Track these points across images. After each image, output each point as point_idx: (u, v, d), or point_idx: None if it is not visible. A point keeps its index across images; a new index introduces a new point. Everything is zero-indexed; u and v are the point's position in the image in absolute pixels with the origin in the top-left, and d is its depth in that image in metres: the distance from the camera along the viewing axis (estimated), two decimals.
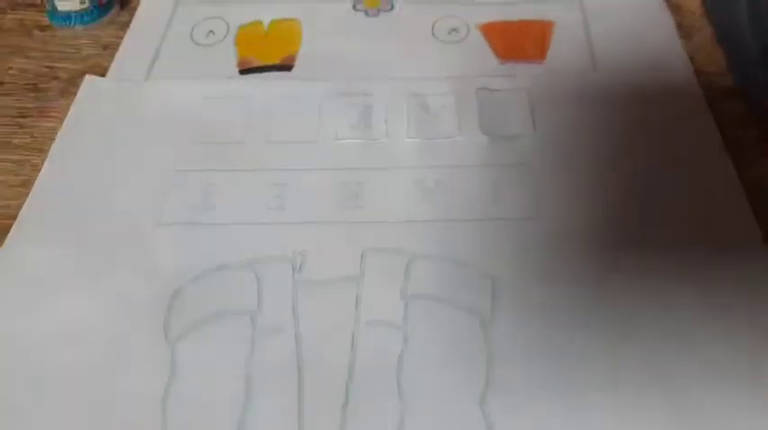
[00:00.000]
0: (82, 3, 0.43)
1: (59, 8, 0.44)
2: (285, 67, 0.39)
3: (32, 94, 0.41)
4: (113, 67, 0.41)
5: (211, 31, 0.43)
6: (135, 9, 0.45)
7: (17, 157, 0.37)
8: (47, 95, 0.41)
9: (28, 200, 0.34)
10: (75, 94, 0.40)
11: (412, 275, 0.30)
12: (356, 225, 0.32)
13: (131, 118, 0.37)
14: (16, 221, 0.33)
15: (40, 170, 0.36)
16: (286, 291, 0.29)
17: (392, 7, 0.43)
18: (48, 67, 0.43)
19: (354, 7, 0.43)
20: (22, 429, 0.26)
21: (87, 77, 0.40)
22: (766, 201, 0.31)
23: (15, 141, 0.38)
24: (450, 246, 0.30)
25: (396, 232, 0.31)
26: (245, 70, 0.40)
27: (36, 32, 0.45)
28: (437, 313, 0.28)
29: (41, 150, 0.37)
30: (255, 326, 0.28)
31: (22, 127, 0.39)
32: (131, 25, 0.44)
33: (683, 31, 0.39)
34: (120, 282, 0.30)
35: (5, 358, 0.28)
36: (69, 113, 0.38)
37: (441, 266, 0.30)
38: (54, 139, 0.38)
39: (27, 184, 0.35)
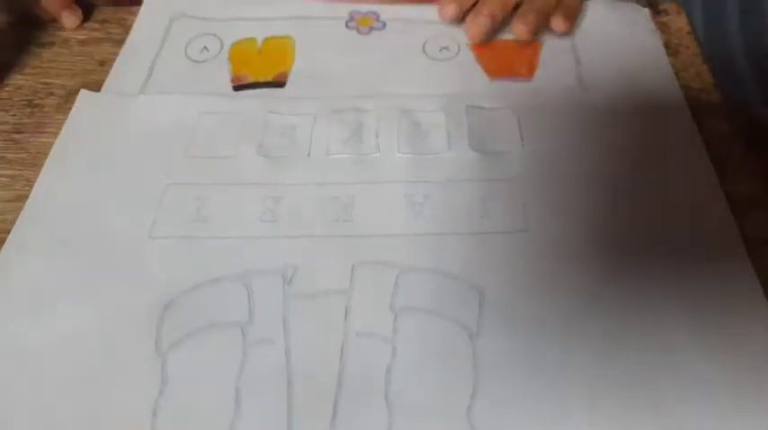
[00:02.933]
0: None
1: None
2: (278, 83, 0.41)
3: (28, 110, 0.42)
4: (108, 81, 0.42)
5: (205, 48, 0.44)
6: (130, 26, 0.46)
7: (11, 172, 0.38)
8: (42, 111, 0.42)
9: (23, 211, 0.35)
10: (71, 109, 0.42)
11: (401, 288, 0.30)
12: (347, 239, 0.33)
13: (125, 132, 0.38)
14: (11, 232, 0.34)
15: (33, 185, 0.37)
16: (276, 304, 0.30)
17: (384, 26, 0.44)
18: (44, 83, 0.44)
19: (347, 25, 0.44)
20: None
21: (82, 92, 0.41)
22: (750, 213, 0.32)
23: (9, 156, 0.39)
24: (439, 259, 0.31)
25: (386, 246, 0.32)
26: (239, 86, 0.41)
27: (33, 49, 0.46)
28: (426, 325, 0.29)
29: (36, 165, 0.38)
30: (246, 339, 0.29)
31: (16, 142, 0.40)
32: (126, 41, 0.45)
33: (671, 48, 0.41)
34: (113, 294, 0.31)
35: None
36: (64, 127, 0.39)
37: (430, 279, 0.31)
38: (48, 155, 0.38)
39: (20, 199, 0.36)
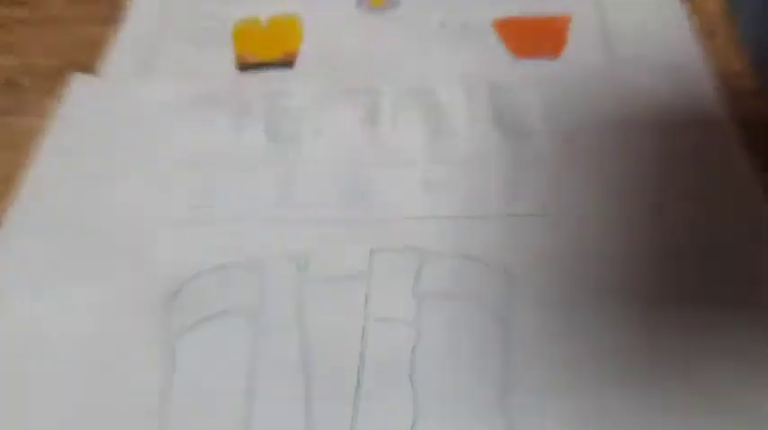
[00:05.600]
0: None
1: None
2: (286, 63, 0.41)
3: (9, 91, 0.41)
4: (105, 64, 0.42)
5: (206, 28, 0.44)
6: (119, 4, 0.46)
7: None
8: (24, 92, 0.41)
9: (21, 192, 0.35)
10: (54, 90, 0.40)
11: (423, 273, 0.31)
12: (363, 222, 0.33)
13: (125, 116, 0.39)
14: (8, 214, 0.34)
15: (17, 167, 0.36)
16: (289, 290, 0.30)
17: (397, 4, 0.44)
18: (26, 63, 0.43)
19: (359, 5, 0.44)
20: (22, 424, 0.27)
21: (75, 75, 0.41)
22: None
23: None
24: (461, 242, 0.32)
25: (404, 229, 0.32)
26: (244, 66, 0.41)
27: (18, 29, 0.45)
28: (452, 310, 0.29)
29: (19, 147, 0.38)
30: (258, 325, 0.29)
31: None
32: (122, 22, 0.44)
33: (705, 32, 0.41)
34: (117, 276, 0.31)
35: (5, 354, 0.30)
36: (59, 111, 0.39)
37: (453, 264, 0.31)
38: (31, 137, 0.38)
39: (4, 181, 0.36)
